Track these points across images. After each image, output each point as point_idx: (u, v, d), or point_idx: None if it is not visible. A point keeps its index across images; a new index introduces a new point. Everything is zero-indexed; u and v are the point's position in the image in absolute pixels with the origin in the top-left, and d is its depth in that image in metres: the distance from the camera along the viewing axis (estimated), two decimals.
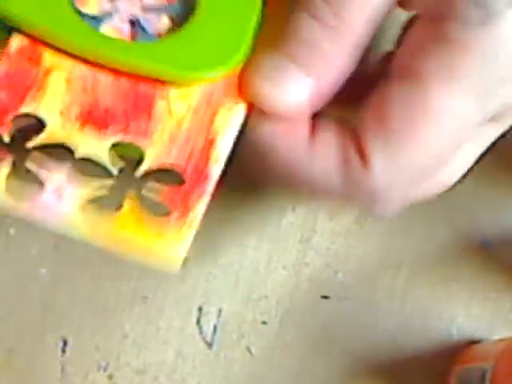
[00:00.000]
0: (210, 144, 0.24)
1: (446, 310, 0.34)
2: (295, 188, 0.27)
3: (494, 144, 0.26)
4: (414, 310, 0.34)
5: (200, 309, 0.34)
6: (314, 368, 0.34)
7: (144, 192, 0.24)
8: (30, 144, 0.23)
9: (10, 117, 0.23)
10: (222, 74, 0.24)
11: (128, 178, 0.24)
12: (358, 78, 0.25)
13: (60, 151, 0.23)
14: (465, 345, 0.34)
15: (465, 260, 0.35)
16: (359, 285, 0.34)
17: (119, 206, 0.23)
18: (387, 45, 0.28)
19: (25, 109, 0.23)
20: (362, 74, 0.25)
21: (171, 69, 0.24)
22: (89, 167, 0.24)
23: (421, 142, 0.23)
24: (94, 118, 0.24)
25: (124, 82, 0.24)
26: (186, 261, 0.23)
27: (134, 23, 0.25)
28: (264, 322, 0.34)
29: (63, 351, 0.33)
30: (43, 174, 0.23)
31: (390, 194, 0.24)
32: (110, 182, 0.24)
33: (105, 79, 0.24)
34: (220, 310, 0.34)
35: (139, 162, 0.24)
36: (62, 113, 0.24)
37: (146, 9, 0.25)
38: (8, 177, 0.23)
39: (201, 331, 0.34)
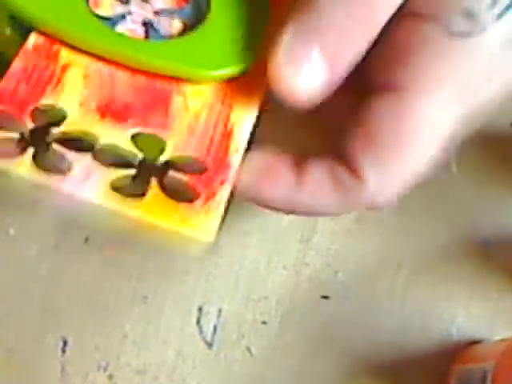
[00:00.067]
0: (228, 136, 0.25)
1: (446, 310, 0.34)
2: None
3: None
4: (414, 310, 0.34)
5: (200, 309, 0.34)
6: (313, 368, 0.34)
7: (167, 180, 0.24)
8: (52, 136, 0.23)
9: (31, 107, 0.23)
10: (235, 73, 0.25)
11: (150, 167, 0.24)
12: None
13: (80, 144, 0.24)
14: (465, 345, 0.34)
15: (465, 260, 0.35)
16: (359, 285, 0.34)
17: (142, 194, 0.23)
18: None
19: (45, 100, 0.24)
20: None
21: (186, 67, 0.25)
22: (110, 157, 0.24)
23: (411, 154, 0.24)
24: (112, 110, 0.24)
25: (140, 78, 0.25)
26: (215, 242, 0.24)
27: (146, 25, 0.25)
28: (264, 322, 0.34)
29: (63, 351, 0.33)
30: (70, 154, 0.23)
31: (386, 196, 0.24)
32: (132, 171, 0.24)
33: (121, 76, 0.25)
34: (220, 310, 0.34)
35: (160, 152, 0.24)
36: (81, 104, 0.24)
37: (157, 12, 0.26)
38: (34, 157, 0.23)
39: (201, 331, 0.34)
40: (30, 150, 0.23)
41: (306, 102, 0.24)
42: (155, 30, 0.25)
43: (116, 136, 0.24)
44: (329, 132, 0.26)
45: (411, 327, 0.34)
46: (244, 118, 0.25)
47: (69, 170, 0.23)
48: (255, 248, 0.34)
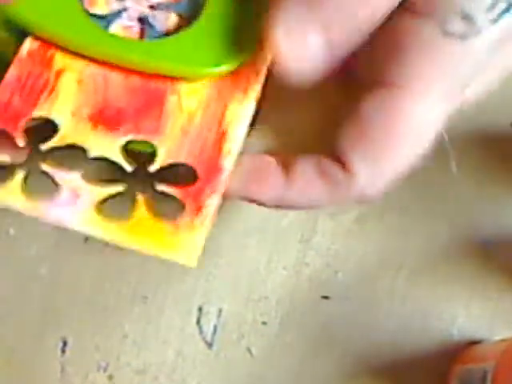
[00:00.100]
0: (221, 136, 0.24)
1: (446, 310, 0.34)
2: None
3: None
4: (414, 310, 0.34)
5: (200, 309, 0.34)
6: (313, 368, 0.34)
7: (157, 190, 0.24)
8: (44, 147, 0.23)
9: (23, 121, 0.23)
10: (231, 69, 0.25)
11: (141, 176, 0.24)
12: None
13: (74, 152, 0.24)
14: (465, 345, 0.34)
15: (465, 260, 0.35)
16: (359, 285, 0.34)
17: (133, 205, 0.23)
18: None
19: (38, 112, 0.24)
20: None
21: (180, 65, 0.24)
22: (102, 167, 0.24)
23: (401, 149, 0.24)
24: (105, 118, 0.24)
25: (135, 79, 0.25)
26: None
27: (142, 21, 0.25)
28: (264, 323, 0.34)
29: (63, 351, 0.33)
30: (59, 174, 0.23)
31: (375, 190, 0.25)
32: (119, 187, 0.24)
33: (116, 78, 0.24)
34: (220, 310, 0.34)
35: (152, 158, 0.24)
36: (74, 114, 0.24)
37: (153, 7, 0.26)
38: (24, 180, 0.23)
39: (201, 331, 0.34)
40: (20, 175, 0.23)
41: (308, 71, 0.24)
42: (151, 26, 0.25)
43: (107, 147, 0.24)
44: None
45: (411, 327, 0.34)
46: (240, 115, 0.25)
47: (57, 192, 0.23)
48: (255, 248, 0.34)
